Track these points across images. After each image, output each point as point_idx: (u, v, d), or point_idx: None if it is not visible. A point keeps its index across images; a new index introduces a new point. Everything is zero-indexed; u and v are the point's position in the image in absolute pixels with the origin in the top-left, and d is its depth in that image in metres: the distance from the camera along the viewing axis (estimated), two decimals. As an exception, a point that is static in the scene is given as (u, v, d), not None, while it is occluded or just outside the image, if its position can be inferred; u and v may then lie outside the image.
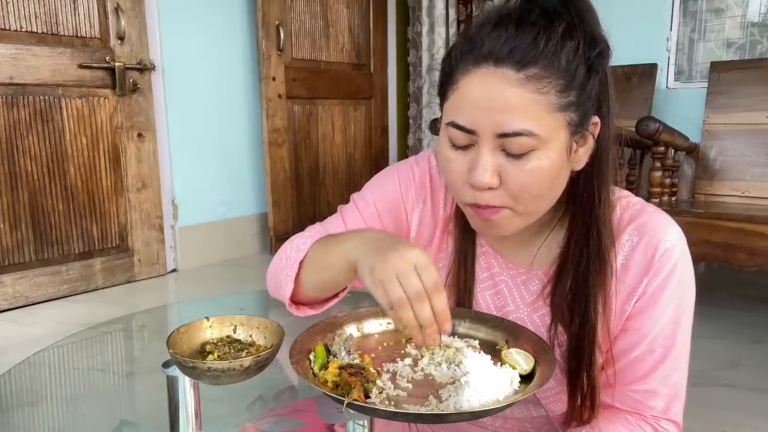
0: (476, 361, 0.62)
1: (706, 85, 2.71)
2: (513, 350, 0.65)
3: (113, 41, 2.59)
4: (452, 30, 3.53)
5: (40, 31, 2.38)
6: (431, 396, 0.58)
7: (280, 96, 3.15)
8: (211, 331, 0.65)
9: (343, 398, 0.53)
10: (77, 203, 2.56)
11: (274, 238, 3.20)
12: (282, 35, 3.10)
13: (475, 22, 0.68)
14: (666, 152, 2.09)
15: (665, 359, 0.72)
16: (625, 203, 0.75)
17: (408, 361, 0.66)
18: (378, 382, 0.59)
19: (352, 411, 0.53)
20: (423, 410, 0.55)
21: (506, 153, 0.64)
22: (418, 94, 3.73)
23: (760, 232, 1.93)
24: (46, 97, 2.42)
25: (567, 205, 0.75)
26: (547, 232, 0.78)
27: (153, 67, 2.72)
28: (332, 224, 0.85)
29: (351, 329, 0.72)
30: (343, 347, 0.66)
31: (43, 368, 0.86)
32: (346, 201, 0.88)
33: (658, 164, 2.10)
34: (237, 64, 3.11)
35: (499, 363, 0.63)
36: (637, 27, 2.97)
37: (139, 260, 2.79)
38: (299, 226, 3.24)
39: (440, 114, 0.71)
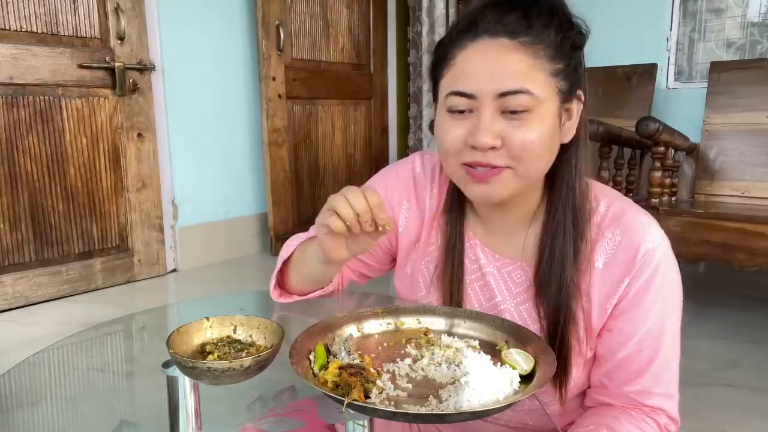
0: (476, 362, 0.62)
1: (706, 85, 2.71)
2: (513, 350, 0.65)
3: (113, 41, 2.59)
4: (452, 30, 3.53)
5: (40, 31, 2.38)
6: (431, 396, 0.58)
7: (280, 96, 3.16)
8: (211, 331, 0.65)
9: (343, 398, 0.53)
10: (77, 203, 2.56)
11: (274, 238, 3.20)
12: (282, 35, 3.10)
13: (466, 9, 0.74)
14: (666, 152, 2.09)
15: (654, 359, 0.73)
16: (609, 201, 0.76)
17: (408, 361, 0.66)
18: (378, 382, 0.59)
19: (352, 411, 0.53)
20: (423, 410, 0.55)
21: (506, 115, 0.68)
22: (418, 94, 3.73)
23: (759, 232, 1.93)
24: (46, 97, 2.42)
25: (550, 195, 0.78)
26: (531, 222, 0.79)
27: (153, 67, 2.72)
28: None
29: (351, 329, 0.72)
30: (343, 347, 0.66)
31: (43, 368, 0.86)
32: None
33: (658, 164, 2.10)
34: (237, 64, 3.11)
35: (499, 363, 0.63)
36: (637, 27, 2.98)
37: (139, 260, 2.80)
38: (299, 226, 3.25)
39: (434, 96, 0.77)
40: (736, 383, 1.77)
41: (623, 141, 2.22)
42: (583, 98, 0.74)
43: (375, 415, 0.55)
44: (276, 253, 2.82)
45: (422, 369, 0.64)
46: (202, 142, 3.00)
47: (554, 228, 0.75)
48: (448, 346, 0.69)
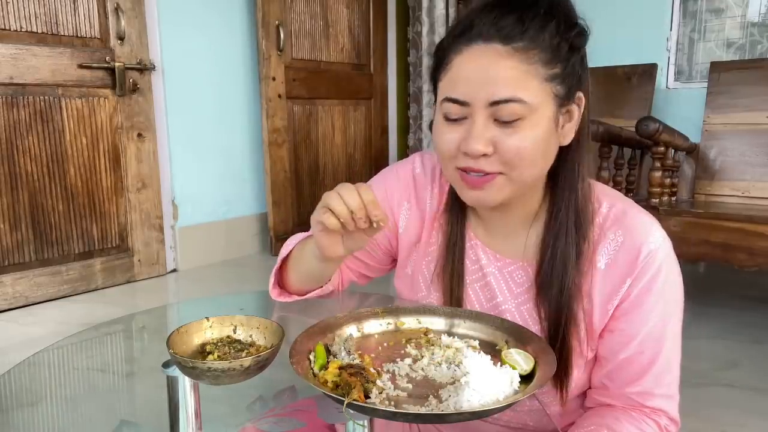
0: (476, 362, 0.62)
1: (706, 85, 2.71)
2: (513, 350, 0.65)
3: (113, 41, 2.59)
4: (452, 30, 3.53)
5: (40, 31, 2.38)
6: (431, 396, 0.58)
7: (280, 96, 3.16)
8: (211, 331, 0.65)
9: (343, 398, 0.53)
10: (77, 203, 2.56)
11: (274, 238, 3.20)
12: (282, 35, 3.10)
13: (464, 11, 0.73)
14: (666, 152, 2.09)
15: (656, 361, 0.73)
16: (611, 202, 0.76)
17: (408, 361, 0.66)
18: (378, 382, 0.59)
19: (352, 411, 0.53)
20: (423, 410, 0.55)
21: (498, 122, 0.68)
22: (418, 94, 3.73)
23: (760, 232, 1.93)
24: (46, 97, 2.42)
25: (552, 195, 0.77)
26: (533, 222, 0.79)
27: (153, 67, 2.72)
28: None
29: (351, 329, 0.72)
30: (343, 347, 0.66)
31: (43, 368, 0.86)
32: None
33: (658, 164, 2.10)
34: (237, 64, 3.11)
35: (499, 363, 0.63)
36: (637, 27, 2.98)
37: (139, 260, 2.80)
38: (299, 226, 3.25)
39: (435, 97, 0.76)
40: (736, 383, 1.77)
41: (623, 141, 2.22)
42: (584, 99, 0.73)
43: (375, 415, 0.55)
44: (276, 253, 2.82)
45: (422, 369, 0.64)
46: (202, 142, 3.00)
47: (556, 229, 0.75)
48: (448, 346, 0.69)
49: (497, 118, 0.68)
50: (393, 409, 0.55)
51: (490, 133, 0.68)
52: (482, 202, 0.74)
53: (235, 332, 0.66)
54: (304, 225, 3.26)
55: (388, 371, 0.64)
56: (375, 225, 0.70)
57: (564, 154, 0.75)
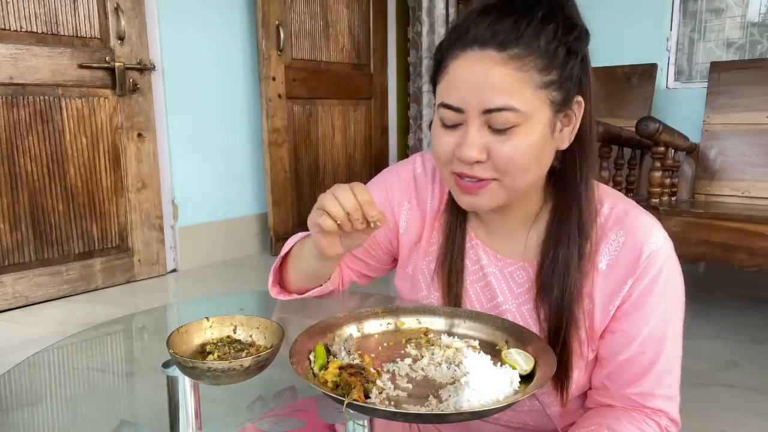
0: (476, 362, 0.62)
1: (706, 85, 2.71)
2: (513, 350, 0.65)
3: (113, 41, 2.59)
4: (452, 30, 3.53)
5: (40, 31, 2.38)
6: (431, 396, 0.58)
7: (280, 96, 3.16)
8: (211, 331, 0.65)
9: (343, 398, 0.53)
10: (77, 203, 2.56)
11: (274, 238, 3.20)
12: (282, 35, 3.10)
13: (463, 13, 0.72)
14: (666, 152, 2.09)
15: (657, 361, 0.73)
16: (613, 203, 0.76)
17: (408, 361, 0.66)
18: (378, 382, 0.59)
19: (352, 411, 0.53)
20: (423, 410, 0.55)
21: (492, 129, 0.68)
22: (418, 94, 3.73)
23: (760, 232, 1.93)
24: (46, 97, 2.42)
25: (554, 194, 0.77)
26: (534, 223, 0.79)
27: (153, 68, 2.72)
28: None
29: (351, 329, 0.72)
30: (343, 347, 0.66)
31: (43, 368, 0.86)
32: None
33: (658, 164, 2.10)
34: (237, 64, 3.11)
35: (499, 363, 0.63)
36: (637, 27, 2.98)
37: (139, 260, 2.80)
38: (299, 226, 3.25)
39: (434, 98, 0.76)
40: (736, 383, 1.77)
41: (623, 141, 2.22)
42: (584, 103, 0.72)
43: (375, 415, 0.55)
44: (276, 254, 2.82)
45: (422, 369, 0.64)
46: (202, 142, 3.00)
47: (558, 230, 0.75)
48: (448, 346, 0.69)
49: (491, 125, 0.68)
50: (393, 409, 0.55)
51: (484, 139, 0.68)
52: (476, 207, 0.75)
53: (235, 332, 0.66)
54: (304, 225, 3.24)
55: (388, 371, 0.64)
56: (372, 225, 0.70)
57: (567, 155, 0.74)
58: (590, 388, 0.80)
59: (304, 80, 3.30)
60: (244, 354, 0.61)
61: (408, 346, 0.70)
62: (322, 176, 3.50)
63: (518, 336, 0.69)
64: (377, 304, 0.87)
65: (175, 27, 2.80)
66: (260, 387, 0.81)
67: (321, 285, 0.89)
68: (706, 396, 1.68)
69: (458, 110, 0.69)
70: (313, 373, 0.61)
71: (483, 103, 0.67)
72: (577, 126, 0.72)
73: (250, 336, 0.65)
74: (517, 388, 0.59)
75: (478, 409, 0.54)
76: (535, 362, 0.63)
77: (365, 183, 0.92)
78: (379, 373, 0.62)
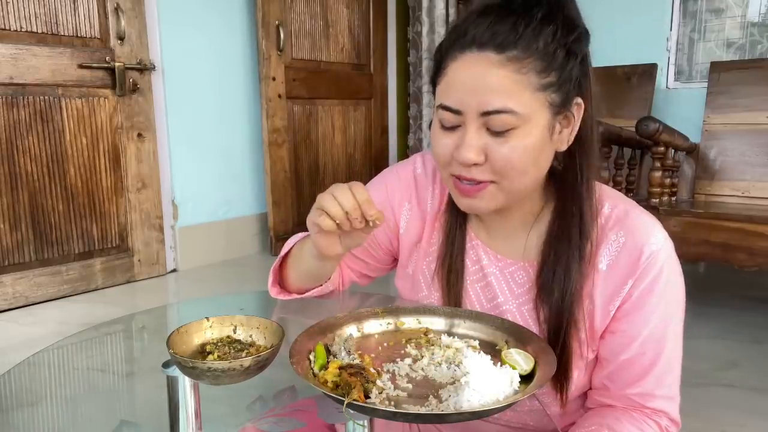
0: (476, 362, 0.62)
1: (706, 85, 2.71)
2: (513, 350, 0.65)
3: (113, 41, 2.59)
4: (452, 30, 3.53)
5: (40, 31, 2.38)
6: (431, 396, 0.58)
7: (280, 96, 3.16)
8: (211, 331, 0.65)
9: (343, 398, 0.53)
10: (77, 203, 2.56)
11: (274, 238, 3.20)
12: (282, 35, 3.10)
13: (462, 14, 0.72)
14: (666, 152, 2.09)
15: (657, 362, 0.73)
16: (613, 203, 0.76)
17: (408, 361, 0.66)
18: (378, 382, 0.59)
19: (352, 411, 0.53)
20: (423, 410, 0.55)
21: (490, 131, 0.68)
22: (418, 94, 3.73)
23: (760, 232, 1.93)
24: (46, 97, 2.42)
25: (555, 195, 0.77)
26: (535, 223, 0.79)
27: (153, 67, 2.72)
28: None
29: (351, 329, 0.72)
30: (343, 347, 0.66)
31: (43, 368, 0.86)
32: None
33: (658, 164, 2.10)
34: (237, 64, 3.11)
35: (499, 363, 0.63)
36: (637, 27, 2.98)
37: (139, 260, 2.80)
38: (299, 226, 3.25)
39: (433, 100, 0.76)
40: (736, 383, 1.77)
41: (623, 141, 2.22)
42: (583, 105, 0.72)
43: (375, 415, 0.55)
44: (276, 254, 2.82)
45: (422, 369, 0.64)
46: (202, 142, 3.00)
47: (559, 231, 0.75)
48: (448, 346, 0.69)
49: (489, 127, 0.67)
50: (393, 409, 0.55)
51: (482, 141, 0.68)
52: (475, 209, 0.75)
53: (235, 332, 0.66)
54: (304, 225, 3.23)
55: (388, 371, 0.64)
56: (371, 224, 0.70)
57: (568, 156, 0.74)
58: (590, 389, 0.80)
59: (304, 80, 3.30)
60: (244, 354, 0.61)
61: (408, 346, 0.70)
62: (322, 176, 3.50)
63: (518, 336, 0.69)
64: (377, 304, 0.87)
65: (175, 27, 2.80)
66: (260, 387, 0.81)
67: (321, 285, 0.89)
68: (706, 396, 1.68)
69: (457, 112, 0.69)
70: (313, 373, 0.61)
71: (481, 105, 0.66)
72: (577, 128, 0.72)
73: (250, 336, 0.65)
74: (517, 388, 0.59)
75: (478, 409, 0.54)
76: (535, 362, 0.63)
77: (365, 183, 0.93)
78: (379, 373, 0.62)
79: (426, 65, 3.62)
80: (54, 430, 0.79)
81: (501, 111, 0.66)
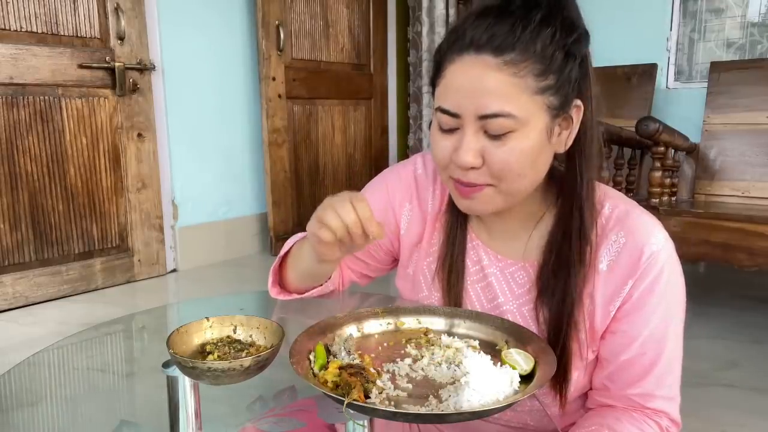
0: (476, 362, 0.62)
1: (706, 85, 2.71)
2: (513, 350, 0.65)
3: (113, 41, 2.59)
4: (452, 30, 3.53)
5: (40, 31, 2.38)
6: (431, 396, 0.58)
7: (280, 96, 3.16)
8: (211, 331, 0.65)
9: (343, 398, 0.53)
10: (77, 203, 2.56)
11: (274, 238, 3.20)
12: (282, 35, 3.10)
13: (462, 15, 0.72)
14: (666, 152, 2.09)
15: (657, 362, 0.73)
16: (614, 203, 0.76)
17: (408, 361, 0.66)
18: (378, 382, 0.59)
19: (352, 411, 0.53)
20: (423, 410, 0.55)
21: (488, 135, 0.67)
22: (418, 94, 3.73)
23: (760, 232, 1.93)
24: (46, 97, 2.42)
25: (557, 196, 0.77)
26: (536, 224, 0.79)
27: (153, 68, 2.72)
28: None
29: (351, 329, 0.72)
30: (343, 347, 0.66)
31: (43, 368, 0.86)
32: None
33: (658, 164, 2.10)
34: (237, 64, 3.11)
35: (499, 363, 0.63)
36: (637, 27, 2.98)
37: (139, 260, 2.80)
38: (299, 226, 3.25)
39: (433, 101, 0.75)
40: (736, 383, 1.77)
41: (623, 141, 2.22)
42: (583, 107, 0.71)
43: (375, 415, 0.55)
44: (276, 253, 2.82)
45: (422, 369, 0.64)
46: (202, 142, 3.00)
47: (560, 232, 0.74)
48: (448, 346, 0.69)
49: (487, 130, 0.67)
50: (393, 409, 0.55)
51: (480, 144, 0.68)
52: (474, 211, 0.75)
53: (235, 332, 0.66)
54: (304, 225, 3.23)
55: (388, 371, 0.64)
56: (371, 238, 0.70)
57: (569, 157, 0.74)
58: (591, 389, 0.80)
59: (304, 80, 3.30)
60: (244, 354, 0.61)
61: (408, 346, 0.70)
62: (322, 176, 3.50)
63: (518, 336, 0.69)
64: (377, 304, 0.87)
65: (175, 27, 2.80)
66: (260, 387, 0.81)
67: (321, 285, 0.89)
68: (706, 396, 1.68)
69: (454, 115, 0.68)
70: (313, 373, 0.61)
71: (479, 108, 0.66)
72: (576, 130, 0.72)
73: (250, 336, 0.65)
74: (517, 388, 0.59)
75: (478, 409, 0.54)
76: (535, 362, 0.63)
77: (365, 183, 0.93)
78: (379, 373, 0.62)
79: (426, 65, 3.62)
80: (54, 430, 0.79)
81: (498, 114, 0.66)
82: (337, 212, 0.68)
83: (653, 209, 2.03)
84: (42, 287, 2.47)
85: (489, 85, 0.65)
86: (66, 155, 2.51)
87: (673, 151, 2.19)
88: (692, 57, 2.89)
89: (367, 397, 0.56)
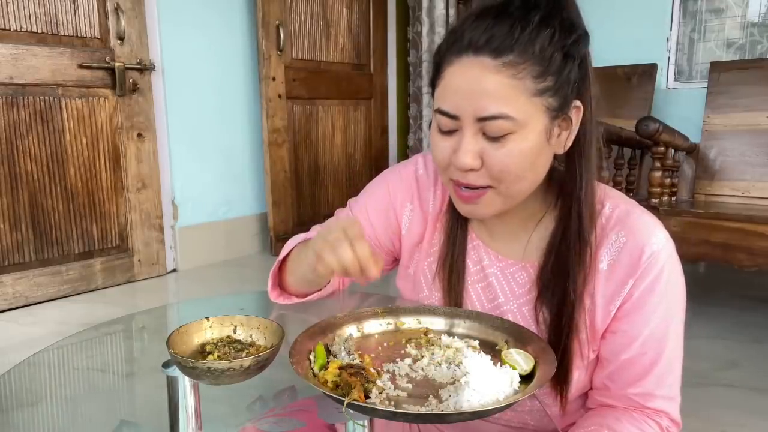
0: (476, 362, 0.62)
1: (706, 85, 2.71)
2: (513, 350, 0.65)
3: (113, 41, 2.59)
4: (452, 30, 3.53)
5: (40, 31, 2.38)
6: (431, 396, 0.58)
7: (280, 96, 3.16)
8: (211, 331, 0.65)
9: (343, 398, 0.53)
10: (77, 203, 2.56)
11: (274, 238, 3.20)
12: (282, 35, 3.10)
13: (460, 17, 0.72)
14: (666, 152, 2.09)
15: (658, 361, 0.73)
16: (615, 203, 0.76)
17: (408, 361, 0.66)
18: (378, 382, 0.59)
19: (352, 411, 0.53)
20: (423, 410, 0.55)
21: (486, 136, 0.67)
22: (418, 94, 3.73)
23: (760, 232, 1.93)
24: (46, 97, 2.42)
25: (558, 197, 0.77)
26: (536, 224, 0.79)
27: (153, 67, 2.72)
28: None
29: (351, 329, 0.72)
30: (343, 347, 0.66)
31: (43, 368, 0.86)
32: (346, 201, 0.94)
33: (658, 164, 2.10)
34: (237, 64, 3.11)
35: (499, 363, 0.63)
36: (637, 27, 2.98)
37: (139, 260, 2.80)
38: (299, 226, 3.25)
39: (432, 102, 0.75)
40: (736, 383, 1.77)
41: (623, 141, 2.22)
42: (582, 108, 0.71)
43: (375, 415, 0.55)
44: (276, 253, 2.82)
45: (422, 369, 0.64)
46: (202, 142, 3.00)
47: (560, 233, 0.74)
48: (448, 346, 0.69)
49: (485, 132, 0.67)
50: (393, 409, 0.55)
51: (479, 146, 0.68)
52: (474, 215, 0.75)
53: (235, 332, 0.66)
54: (304, 225, 3.27)
55: (388, 371, 0.64)
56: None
57: (569, 157, 0.74)
58: (591, 389, 0.80)
59: (304, 80, 3.30)
60: (244, 354, 0.61)
61: (408, 346, 0.70)
62: (322, 176, 3.50)
63: (518, 336, 0.69)
64: (377, 304, 0.87)
65: (175, 27, 2.80)
66: (260, 387, 0.81)
67: (320, 289, 0.89)
68: (706, 396, 1.68)
69: (453, 117, 0.68)
70: (313, 373, 0.61)
71: (477, 110, 0.66)
72: (576, 130, 0.72)
73: (250, 336, 0.65)
74: (517, 388, 0.59)
75: (478, 409, 0.54)
76: (535, 362, 0.63)
77: (365, 183, 0.93)
78: (379, 373, 0.62)
79: (426, 65, 3.62)
80: (54, 430, 0.79)
81: (497, 117, 0.65)
82: (335, 252, 0.64)
83: (653, 209, 2.03)
84: (42, 287, 2.47)
85: (487, 87, 0.65)
86: (66, 155, 2.50)
87: (673, 151, 2.19)
88: (692, 57, 2.89)
89: (367, 397, 0.56)
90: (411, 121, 3.85)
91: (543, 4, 0.66)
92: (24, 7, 2.32)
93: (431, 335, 0.72)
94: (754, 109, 2.52)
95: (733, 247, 1.98)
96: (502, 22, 0.66)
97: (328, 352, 0.65)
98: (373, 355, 0.66)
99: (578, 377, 0.77)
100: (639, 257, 0.72)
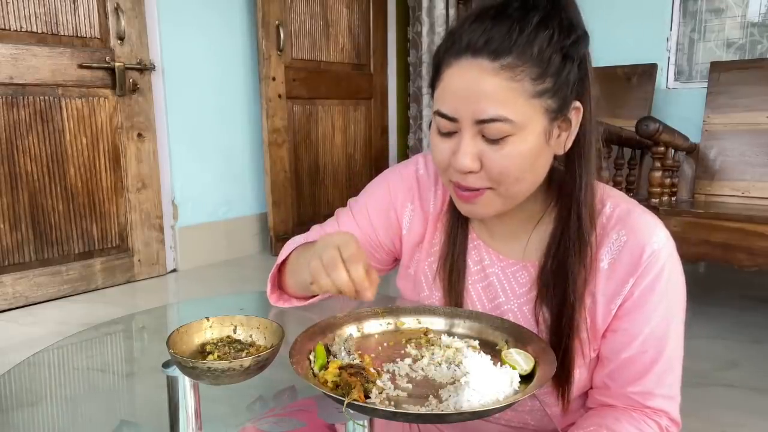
0: (476, 362, 0.62)
1: (706, 85, 2.71)
2: (513, 350, 0.65)
3: (113, 41, 2.59)
4: (452, 30, 3.53)
5: (40, 31, 2.38)
6: (431, 396, 0.58)
7: (280, 96, 3.16)
8: (211, 331, 0.65)
9: (343, 398, 0.53)
10: (77, 203, 2.56)
11: (274, 238, 3.20)
12: (282, 35, 3.10)
13: (459, 18, 0.71)
14: (666, 152, 2.09)
15: (658, 360, 0.73)
16: (615, 202, 0.76)
17: (408, 361, 0.66)
18: (378, 382, 0.59)
19: (352, 411, 0.53)
20: (423, 410, 0.55)
21: (485, 139, 0.67)
22: (418, 94, 3.73)
23: (760, 232, 1.93)
24: (46, 97, 2.42)
25: (558, 197, 0.77)
26: (537, 224, 0.79)
27: (153, 67, 2.72)
28: (329, 226, 0.92)
29: (351, 329, 0.72)
30: (343, 347, 0.66)
31: (43, 368, 0.86)
32: (346, 201, 0.94)
33: (658, 164, 2.10)
34: (237, 64, 3.11)
35: (499, 363, 0.63)
36: (637, 27, 2.98)
37: (139, 260, 2.80)
38: (299, 226, 3.25)
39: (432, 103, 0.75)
40: (736, 383, 1.77)
41: (623, 141, 2.22)
42: (582, 108, 0.71)
43: (375, 415, 0.55)
44: (276, 254, 2.82)
45: (422, 369, 0.64)
46: (202, 142, 3.00)
47: (561, 232, 0.74)
48: (448, 346, 0.69)
49: (484, 134, 0.67)
50: (393, 409, 0.55)
51: (478, 148, 0.68)
52: (474, 215, 0.75)
53: (235, 332, 0.66)
54: (304, 225, 3.27)
55: (388, 371, 0.64)
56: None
57: (569, 158, 0.74)
58: (591, 388, 0.80)
59: (304, 80, 3.30)
60: (244, 354, 0.61)
61: (408, 346, 0.70)
62: (322, 176, 3.50)
63: (518, 336, 0.69)
64: (377, 304, 0.87)
65: (175, 27, 2.80)
66: (260, 387, 0.81)
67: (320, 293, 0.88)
68: (706, 396, 1.68)
69: (452, 119, 0.68)
70: (313, 373, 0.61)
71: (476, 113, 0.66)
72: (575, 131, 0.72)
73: (250, 336, 0.65)
74: (517, 388, 0.59)
75: (478, 409, 0.54)
76: (535, 362, 0.63)
77: (365, 183, 0.93)
78: (379, 373, 0.62)
79: (426, 65, 3.62)
80: (54, 430, 0.79)
81: (495, 119, 0.65)
82: (330, 275, 0.63)
83: (653, 209, 2.03)
84: (42, 287, 2.47)
85: (486, 89, 0.65)
86: (66, 155, 2.50)
87: (673, 151, 2.19)
88: (692, 57, 2.89)
89: (367, 397, 0.57)
90: (411, 121, 3.85)
91: (542, 5, 0.66)
92: (24, 7, 2.32)
93: (431, 335, 0.72)
94: (754, 109, 2.52)
95: (733, 247, 1.98)
96: (500, 23, 0.65)
97: (328, 352, 0.65)
98: (373, 355, 0.66)
99: (579, 376, 0.77)
100: (640, 256, 0.72)
